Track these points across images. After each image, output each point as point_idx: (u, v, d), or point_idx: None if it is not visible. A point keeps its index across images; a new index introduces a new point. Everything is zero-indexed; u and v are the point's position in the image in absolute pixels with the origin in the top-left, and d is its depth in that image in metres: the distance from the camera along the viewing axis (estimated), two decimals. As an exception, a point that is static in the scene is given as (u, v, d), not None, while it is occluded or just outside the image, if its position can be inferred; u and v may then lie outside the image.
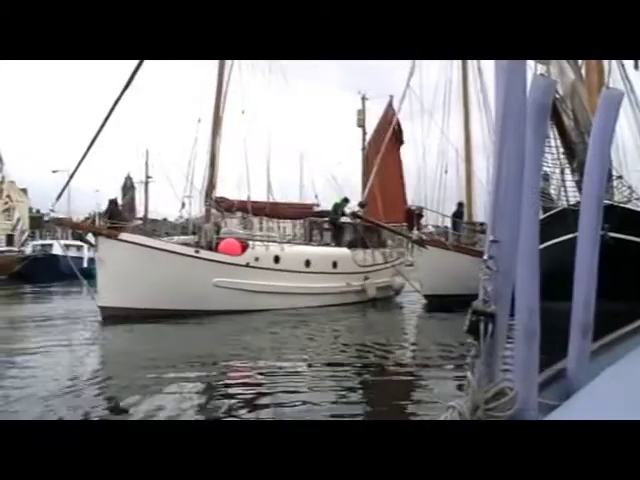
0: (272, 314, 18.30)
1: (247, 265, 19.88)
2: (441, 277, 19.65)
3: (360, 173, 29.52)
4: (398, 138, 28.61)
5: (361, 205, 22.85)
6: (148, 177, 35.39)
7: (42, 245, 41.22)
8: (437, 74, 25.39)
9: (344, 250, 24.11)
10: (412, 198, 25.45)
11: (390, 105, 29.18)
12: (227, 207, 22.82)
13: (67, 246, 32.80)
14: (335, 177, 27.70)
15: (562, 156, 16.43)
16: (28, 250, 41.18)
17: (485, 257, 1.60)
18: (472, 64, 26.30)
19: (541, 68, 1.89)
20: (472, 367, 1.58)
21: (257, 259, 20.18)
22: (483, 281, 1.58)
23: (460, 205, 25.75)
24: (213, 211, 22.34)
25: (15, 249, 42.29)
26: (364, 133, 29.94)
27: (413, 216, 21.94)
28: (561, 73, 15.48)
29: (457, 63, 26.20)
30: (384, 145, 23.82)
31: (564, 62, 15.49)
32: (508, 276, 1.59)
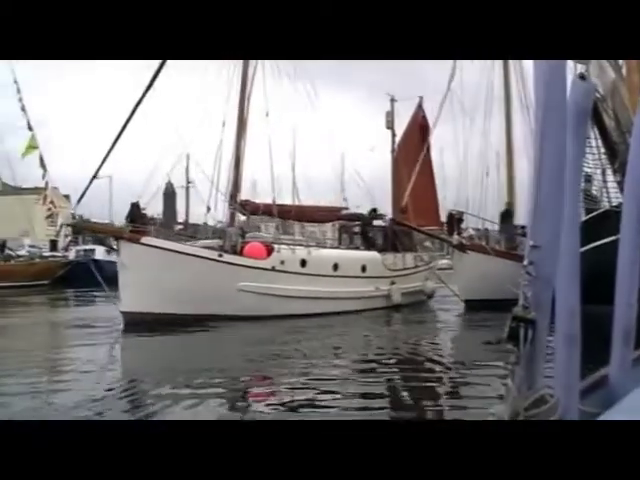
0: (298, 319, 17.94)
1: (273, 269, 19.38)
2: (481, 281, 19.32)
3: (390, 175, 28.82)
4: (427, 139, 28.00)
5: (402, 210, 22.33)
6: (189, 182, 35.50)
7: (85, 250, 41.84)
8: (479, 76, 24.98)
9: (373, 254, 23.51)
10: (453, 201, 25.02)
11: (420, 106, 28.59)
12: (252, 210, 22.29)
13: (109, 251, 33.12)
14: (364, 179, 27.11)
15: (603, 157, 16.12)
16: (71, 255, 41.84)
17: (525, 263, 1.57)
18: (514, 66, 25.85)
19: (581, 67, 1.85)
20: (512, 374, 1.56)
21: (283, 263, 19.66)
22: (523, 287, 1.55)
23: (508, 205, 25.02)
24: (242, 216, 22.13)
25: (59, 254, 43.05)
26: (393, 135, 29.08)
27: (454, 220, 21.62)
28: (601, 72, 15.19)
29: (498, 65, 25.79)
30: (423, 153, 23.49)
31: (604, 61, 15.23)
32: (548, 282, 1.57)
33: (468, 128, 25.07)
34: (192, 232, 26.87)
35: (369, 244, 24.31)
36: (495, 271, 17.92)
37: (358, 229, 25.27)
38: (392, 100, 28.60)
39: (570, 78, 1.67)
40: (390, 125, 28.85)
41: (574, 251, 1.75)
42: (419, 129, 27.65)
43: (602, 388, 2.05)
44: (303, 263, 20.23)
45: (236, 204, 21.33)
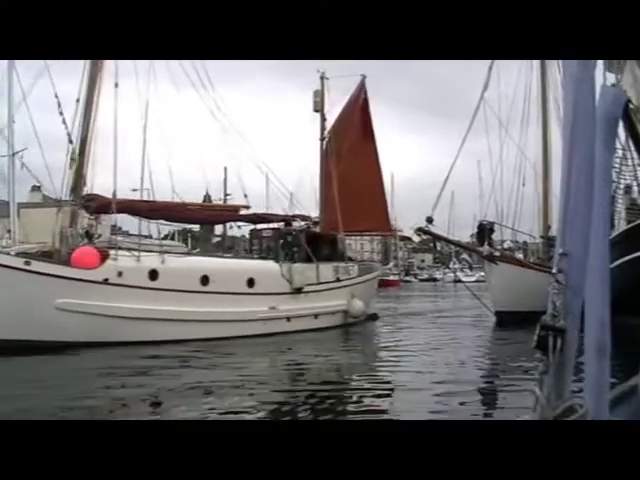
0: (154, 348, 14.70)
1: (105, 282, 15.64)
2: (512, 293, 19.07)
3: (318, 168, 24.19)
4: (369, 128, 24.44)
5: (429, 220, 20.06)
6: (227, 194, 35.34)
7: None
8: (514, 86, 24.64)
9: (268, 264, 19.50)
10: (484, 212, 24.56)
11: (362, 87, 24.31)
12: (99, 207, 17.99)
13: None
14: (274, 172, 22.48)
15: (639, 168, 15.96)
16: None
17: (554, 270, 1.55)
18: (551, 76, 25.47)
19: (612, 77, 1.83)
20: (541, 383, 1.54)
21: (121, 274, 15.87)
22: (552, 295, 1.54)
23: None
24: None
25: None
26: (323, 119, 24.02)
27: (484, 231, 21.36)
28: (635, 82, 15.04)
29: (536, 73, 25.46)
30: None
31: (638, 71, 15.05)
32: (578, 290, 1.56)
33: (503, 139, 24.60)
34: (230, 245, 26.02)
35: (287, 253, 20.49)
36: (527, 282, 17.72)
37: (266, 233, 21.56)
38: (322, 77, 23.71)
39: (598, 87, 1.65)
40: (319, 107, 24.00)
41: (604, 260, 1.74)
42: (361, 113, 23.97)
43: (632, 398, 2.01)
44: (153, 275, 16.51)
45: (78, 199, 17.41)
